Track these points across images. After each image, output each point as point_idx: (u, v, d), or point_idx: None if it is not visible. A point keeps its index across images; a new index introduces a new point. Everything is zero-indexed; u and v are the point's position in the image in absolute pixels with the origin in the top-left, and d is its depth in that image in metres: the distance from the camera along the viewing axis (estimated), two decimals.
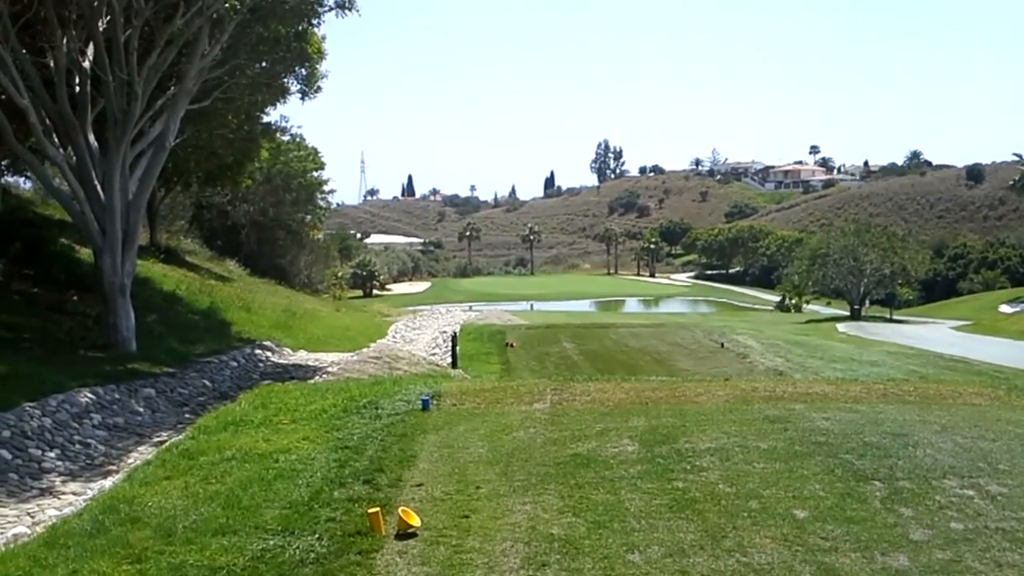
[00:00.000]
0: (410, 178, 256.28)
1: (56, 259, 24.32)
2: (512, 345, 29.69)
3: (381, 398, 12.09)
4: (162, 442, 12.95)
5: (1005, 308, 64.86)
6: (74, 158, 19.77)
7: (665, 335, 33.51)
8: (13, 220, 25.92)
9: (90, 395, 15.07)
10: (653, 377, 16.14)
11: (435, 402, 11.84)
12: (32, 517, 10.10)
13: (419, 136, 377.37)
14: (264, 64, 24.39)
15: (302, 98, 26.11)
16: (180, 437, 11.61)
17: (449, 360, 24.73)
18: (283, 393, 13.15)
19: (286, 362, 23.84)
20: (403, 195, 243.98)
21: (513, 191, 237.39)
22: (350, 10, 22.25)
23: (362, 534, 6.94)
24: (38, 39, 19.61)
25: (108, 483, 10.60)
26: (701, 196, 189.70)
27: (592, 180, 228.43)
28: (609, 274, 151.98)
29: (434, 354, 26.85)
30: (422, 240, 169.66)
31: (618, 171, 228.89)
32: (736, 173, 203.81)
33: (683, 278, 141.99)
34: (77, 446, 13.33)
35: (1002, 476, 8.08)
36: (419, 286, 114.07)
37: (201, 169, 34.02)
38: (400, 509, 7.16)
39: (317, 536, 6.96)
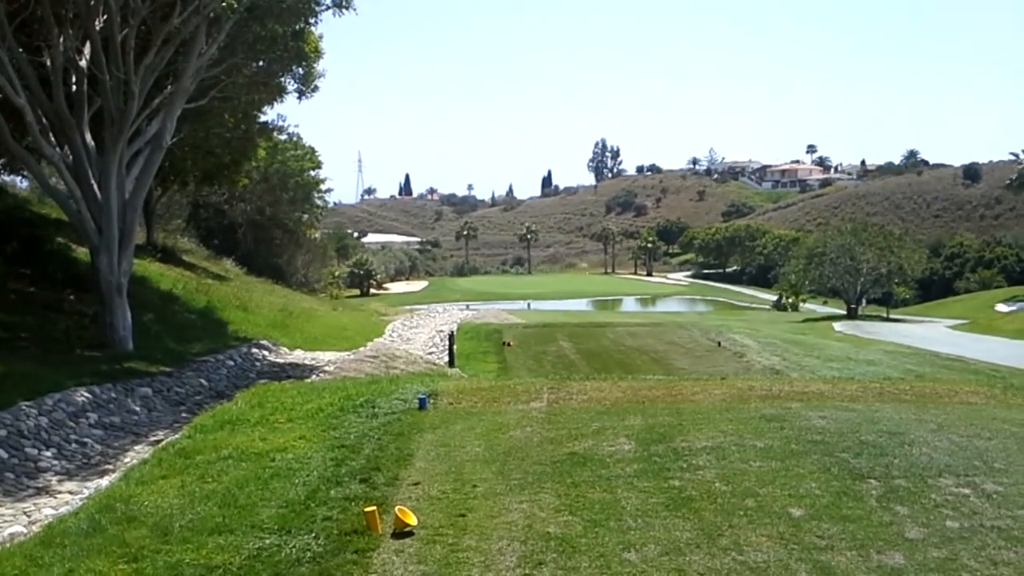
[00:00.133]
0: (407, 177, 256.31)
1: (53, 258, 24.30)
2: (509, 344, 29.69)
3: (378, 397, 12.09)
4: (158, 441, 12.93)
5: (1001, 307, 64.96)
6: (71, 157, 19.75)
7: (662, 334, 33.51)
8: (10, 219, 25.91)
9: (86, 394, 15.06)
10: (650, 376, 16.16)
11: (432, 401, 11.84)
12: (28, 516, 10.09)
13: (416, 135, 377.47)
14: (261, 63, 24.36)
15: (299, 97, 26.11)
16: (176, 436, 11.60)
17: (446, 359, 24.73)
18: (280, 392, 13.15)
19: (283, 361, 23.82)
20: (400, 194, 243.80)
21: (510, 190, 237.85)
22: (347, 9, 22.26)
23: (359, 533, 6.95)
24: (35, 38, 19.59)
25: (104, 482, 10.59)
26: (698, 195, 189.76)
27: (589, 179, 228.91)
28: (606, 273, 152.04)
29: (431, 353, 26.85)
30: (419, 239, 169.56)
31: (615, 170, 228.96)
32: (733, 172, 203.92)
33: (680, 277, 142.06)
34: (73, 445, 13.32)
35: (998, 474, 8.10)
36: (416, 285, 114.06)
37: (198, 168, 34.01)
38: (397, 508, 7.17)
39: (314, 535, 6.96)
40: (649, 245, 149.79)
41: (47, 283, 22.54)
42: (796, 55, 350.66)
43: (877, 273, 69.25)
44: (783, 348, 29.84)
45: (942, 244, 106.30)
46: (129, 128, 19.95)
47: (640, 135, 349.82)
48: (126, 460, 12.64)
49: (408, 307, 63.92)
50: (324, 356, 24.83)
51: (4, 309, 19.70)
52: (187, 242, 43.86)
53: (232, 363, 21.61)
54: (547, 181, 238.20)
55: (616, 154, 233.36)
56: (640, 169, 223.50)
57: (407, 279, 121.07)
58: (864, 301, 72.68)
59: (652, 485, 7.92)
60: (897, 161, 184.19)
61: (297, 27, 22.90)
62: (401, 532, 6.91)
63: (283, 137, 44.91)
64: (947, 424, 10.05)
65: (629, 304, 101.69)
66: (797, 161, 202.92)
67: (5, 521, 9.87)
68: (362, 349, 24.46)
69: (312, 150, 52.52)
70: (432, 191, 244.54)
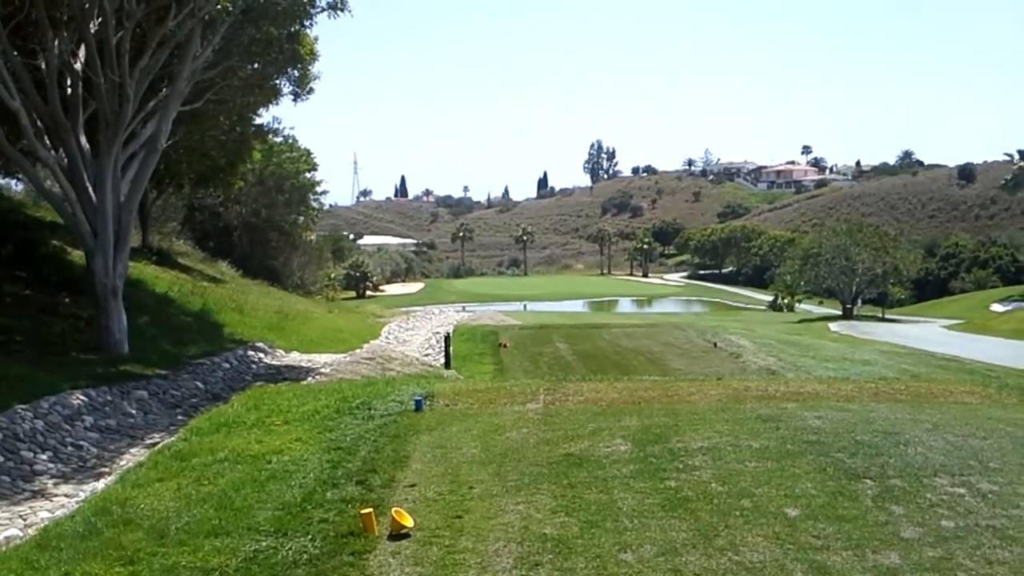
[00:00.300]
0: (403, 179, 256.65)
1: (48, 261, 24.26)
2: (505, 345, 29.72)
3: (374, 399, 12.08)
4: (154, 444, 12.92)
5: (996, 307, 65.12)
6: (65, 160, 19.73)
7: (658, 335, 33.57)
8: (4, 222, 25.87)
9: (82, 397, 15.04)
10: (646, 377, 16.16)
11: (428, 403, 11.84)
12: (24, 519, 10.08)
13: (412, 137, 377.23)
14: (256, 66, 24.36)
15: (294, 99, 26.09)
16: (173, 439, 11.58)
17: (442, 361, 24.74)
18: (276, 394, 13.13)
19: (279, 363, 23.80)
20: (396, 196, 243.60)
21: (506, 192, 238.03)
22: (342, 11, 22.26)
23: (355, 535, 6.94)
24: (29, 41, 19.55)
25: (100, 485, 10.58)
26: (694, 196, 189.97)
27: (585, 181, 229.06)
28: (602, 274, 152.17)
29: (427, 355, 26.86)
30: (415, 241, 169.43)
31: (611, 171, 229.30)
32: (729, 173, 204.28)
33: (676, 278, 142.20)
34: (69, 448, 13.30)
35: (993, 474, 8.12)
36: (412, 287, 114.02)
37: (193, 171, 33.97)
38: (393, 510, 7.17)
39: (310, 537, 6.96)
40: (645, 246, 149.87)
41: (42, 286, 22.51)
42: (791, 56, 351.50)
43: (872, 273, 69.41)
44: (779, 349, 29.89)
45: (937, 244, 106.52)
46: (124, 131, 19.93)
47: (636, 136, 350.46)
48: (122, 463, 12.62)
49: (404, 309, 63.88)
50: (320, 358, 24.82)
51: None
52: (182, 245, 43.76)
53: (228, 366, 21.58)
54: (543, 183, 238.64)
55: (612, 155, 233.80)
56: (636, 170, 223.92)
57: (403, 281, 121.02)
58: (860, 301, 72.83)
59: (648, 486, 7.92)
60: (892, 162, 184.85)
61: (292, 29, 22.89)
62: (397, 534, 6.91)
63: (278, 139, 44.94)
64: (942, 424, 10.07)
65: (625, 305, 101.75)
66: (792, 162, 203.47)
67: (1, 524, 9.86)
68: (358, 351, 24.47)
69: (308, 152, 52.48)
70: (428, 193, 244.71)
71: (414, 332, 35.18)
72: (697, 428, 9.82)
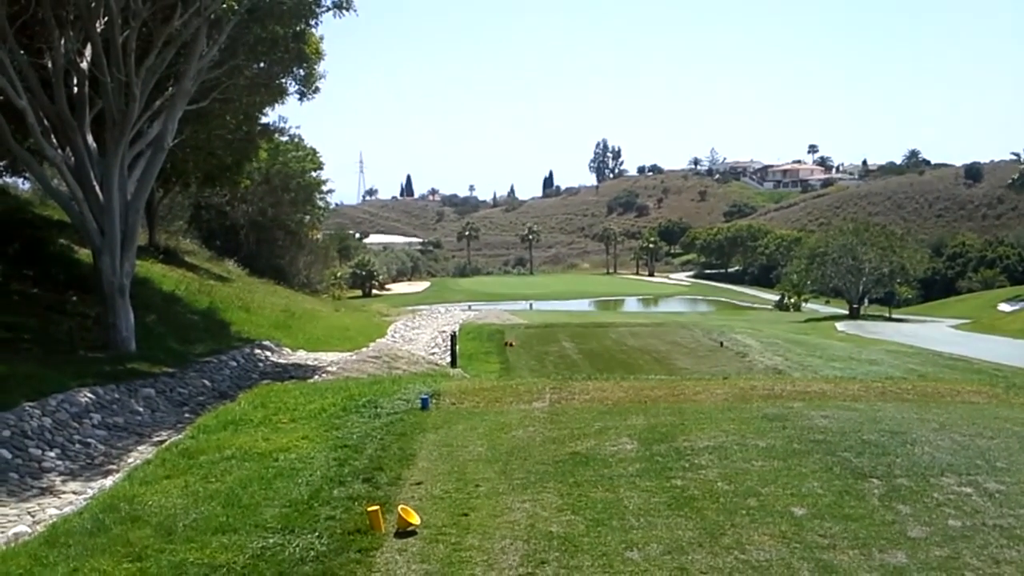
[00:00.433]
0: (409, 178, 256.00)
1: (55, 260, 24.34)
2: (511, 344, 29.70)
3: (380, 397, 12.11)
4: (162, 441, 12.96)
5: (1004, 306, 64.93)
6: (72, 159, 19.78)
7: (664, 334, 33.52)
8: (12, 221, 25.95)
9: (90, 395, 15.09)
10: (652, 376, 16.18)
11: (434, 401, 11.87)
12: (32, 516, 10.12)
13: (418, 136, 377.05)
14: (262, 65, 24.40)
15: (300, 98, 26.15)
16: (180, 436, 11.63)
17: (448, 359, 24.74)
18: (282, 392, 13.17)
19: (285, 362, 23.84)
20: (402, 195, 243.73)
21: (512, 191, 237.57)
22: (348, 10, 22.29)
23: (362, 532, 6.97)
24: (36, 40, 19.61)
25: (108, 482, 10.61)
26: (700, 195, 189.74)
27: (591, 180, 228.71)
28: (608, 273, 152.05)
29: (433, 353, 26.87)
30: (421, 240, 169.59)
31: (617, 171, 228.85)
32: (735, 172, 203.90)
33: (682, 277, 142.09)
34: (77, 445, 13.35)
35: (1000, 473, 8.11)
36: (418, 286, 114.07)
37: (200, 169, 34.02)
38: (400, 507, 7.19)
39: (317, 534, 6.98)
40: (651, 245, 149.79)
41: (50, 284, 22.57)
42: (797, 55, 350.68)
43: (879, 273, 69.28)
44: (785, 348, 29.84)
45: (944, 244, 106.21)
46: (130, 130, 19.98)
47: (641, 135, 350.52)
48: (129, 460, 12.67)
49: (410, 308, 63.96)
50: (326, 357, 24.85)
51: (7, 310, 19.74)
52: (189, 243, 43.89)
53: (235, 364, 21.64)
54: (548, 182, 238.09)
55: (617, 154, 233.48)
56: (641, 169, 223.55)
57: (409, 280, 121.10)
58: (866, 301, 72.70)
59: (654, 484, 7.92)
60: (899, 161, 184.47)
61: (298, 28, 22.94)
62: (404, 531, 6.93)
63: (284, 138, 44.94)
64: (949, 423, 10.05)
65: (631, 304, 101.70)
66: (799, 161, 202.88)
67: (9, 521, 9.90)
68: (364, 350, 24.49)
69: (313, 151, 52.56)
70: (434, 192, 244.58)
71: (420, 331, 35.20)
72: (703, 427, 9.83)
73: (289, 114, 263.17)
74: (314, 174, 53.28)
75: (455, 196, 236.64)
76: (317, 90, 26.08)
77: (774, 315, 76.60)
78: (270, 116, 36.64)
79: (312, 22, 23.14)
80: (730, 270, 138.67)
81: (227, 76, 22.61)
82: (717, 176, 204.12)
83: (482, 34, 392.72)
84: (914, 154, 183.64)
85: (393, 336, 33.17)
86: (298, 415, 11.36)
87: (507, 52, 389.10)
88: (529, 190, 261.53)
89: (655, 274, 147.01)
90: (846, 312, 69.46)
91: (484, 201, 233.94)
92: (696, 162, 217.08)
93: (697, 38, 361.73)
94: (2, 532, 9.28)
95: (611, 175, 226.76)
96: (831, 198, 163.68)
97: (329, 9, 22.28)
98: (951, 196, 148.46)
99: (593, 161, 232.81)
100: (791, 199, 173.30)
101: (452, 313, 48.67)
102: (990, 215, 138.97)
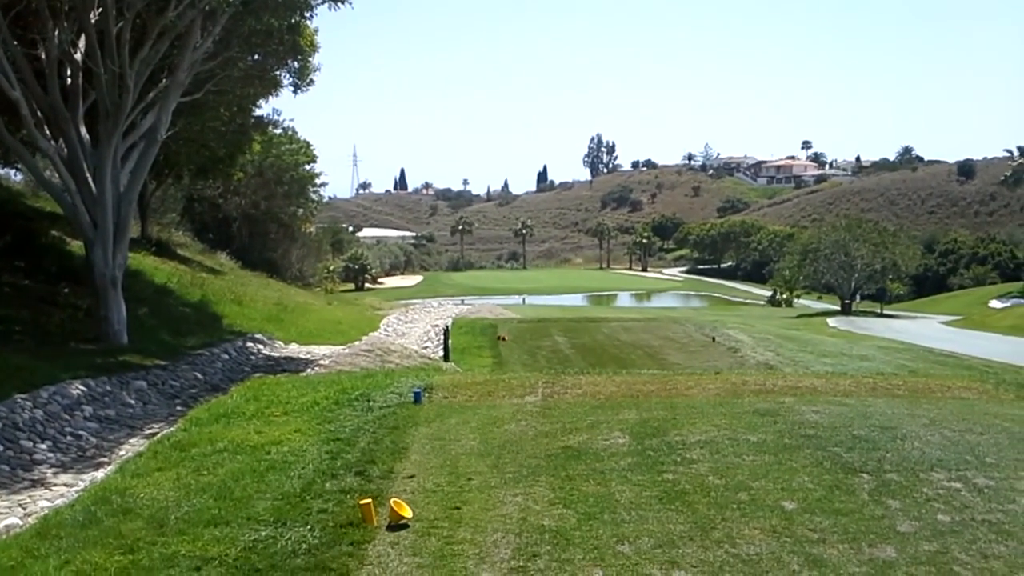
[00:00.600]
0: (402, 172, 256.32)
1: (47, 251, 24.26)
2: (504, 339, 29.71)
3: (373, 391, 12.12)
4: (154, 434, 12.96)
5: (995, 303, 65.04)
6: (65, 150, 19.72)
7: (657, 329, 33.57)
8: (4, 212, 25.87)
9: (81, 387, 15.07)
10: (644, 371, 16.21)
11: (427, 395, 11.88)
12: (24, 508, 10.11)
13: (411, 130, 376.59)
14: (256, 57, 24.34)
15: (294, 91, 26.07)
16: (172, 429, 11.61)
17: (441, 353, 24.73)
18: (275, 385, 13.18)
19: (278, 355, 23.83)
20: (395, 189, 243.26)
21: (506, 185, 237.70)
22: (342, 3, 22.23)
23: (354, 525, 6.98)
24: (29, 30, 19.53)
25: (100, 475, 10.62)
26: (693, 191, 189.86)
27: (585, 174, 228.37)
28: (601, 268, 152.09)
29: (426, 347, 26.87)
30: (414, 234, 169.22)
31: (611, 165, 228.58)
32: (728, 168, 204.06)
33: (675, 272, 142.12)
34: (68, 438, 13.33)
35: (989, 469, 8.16)
36: (411, 280, 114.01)
37: (193, 162, 33.96)
38: (392, 500, 7.20)
39: (309, 527, 7.00)
40: (644, 240, 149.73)
41: (41, 276, 22.51)
42: (791, 51, 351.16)
43: (871, 269, 69.34)
44: (777, 343, 29.90)
45: (936, 240, 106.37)
46: (124, 121, 19.93)
47: (635, 130, 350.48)
48: (121, 453, 12.65)
49: (403, 302, 63.82)
50: (319, 350, 24.84)
51: None
52: (182, 236, 43.75)
53: (227, 357, 21.62)
54: (542, 176, 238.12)
55: (611, 149, 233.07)
56: (635, 164, 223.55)
57: (402, 274, 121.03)
58: (858, 297, 72.78)
59: (646, 479, 7.96)
60: (892, 157, 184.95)
61: (292, 20, 22.84)
62: (396, 524, 6.95)
63: (278, 131, 44.74)
64: (939, 419, 10.11)
65: (624, 299, 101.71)
66: (792, 157, 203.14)
67: (1, 513, 9.88)
68: (357, 343, 24.47)
69: (307, 144, 52.35)
70: (427, 186, 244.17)
71: (413, 325, 35.20)
72: (695, 422, 9.86)
73: (283, 107, 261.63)
74: (307, 167, 53.09)
75: (449, 190, 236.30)
76: (311, 83, 26.03)
77: (766, 311, 76.69)
78: (264, 108, 36.55)
79: (307, 14, 23.08)
80: (723, 266, 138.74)
81: (221, 68, 22.54)
82: (711, 172, 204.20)
83: (477, 27, 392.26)
84: (907, 151, 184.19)
85: (386, 330, 33.16)
86: (290, 408, 11.37)
87: (502, 46, 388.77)
88: (523, 184, 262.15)
89: (648, 269, 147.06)
90: (838, 308, 69.56)
91: (478, 195, 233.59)
92: (690, 157, 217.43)
93: (692, 34, 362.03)
94: None
95: (605, 170, 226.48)
96: (824, 194, 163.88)
97: (324, 2, 22.24)
98: (944, 193, 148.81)
99: (587, 156, 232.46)
100: (784, 195, 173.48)
101: (445, 307, 48.66)
102: (982, 212, 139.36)
